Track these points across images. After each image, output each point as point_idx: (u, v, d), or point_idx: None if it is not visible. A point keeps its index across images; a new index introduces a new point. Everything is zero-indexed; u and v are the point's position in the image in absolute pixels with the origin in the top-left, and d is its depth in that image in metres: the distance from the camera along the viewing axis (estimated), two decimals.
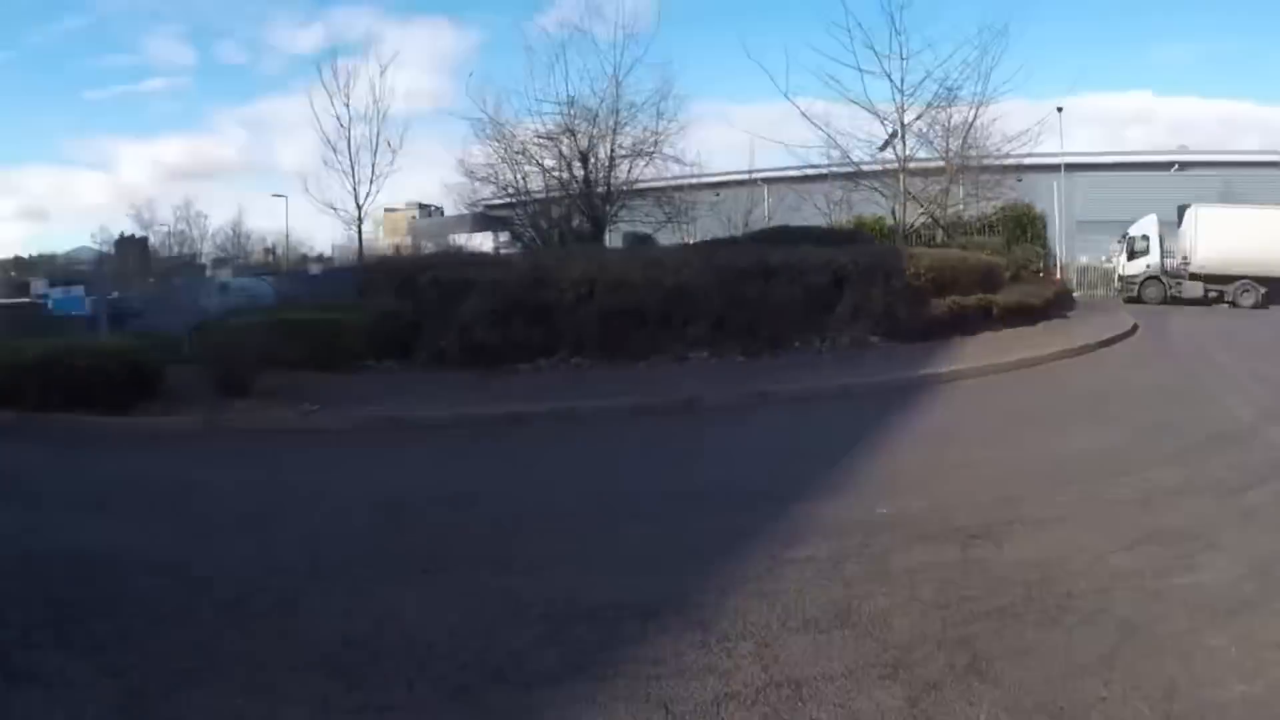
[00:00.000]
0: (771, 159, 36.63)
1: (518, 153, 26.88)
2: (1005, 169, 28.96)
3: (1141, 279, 33.71)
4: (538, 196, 27.47)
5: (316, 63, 70.97)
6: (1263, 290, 30.83)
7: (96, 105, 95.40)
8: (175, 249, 67.01)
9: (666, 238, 29.67)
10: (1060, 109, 32.96)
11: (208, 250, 65.89)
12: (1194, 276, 32.22)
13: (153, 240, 69.14)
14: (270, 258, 62.38)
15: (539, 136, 26.60)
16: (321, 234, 63.35)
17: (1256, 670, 3.84)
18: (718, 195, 34.43)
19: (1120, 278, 35.36)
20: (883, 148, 26.89)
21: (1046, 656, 4.03)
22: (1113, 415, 10.82)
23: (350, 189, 29.21)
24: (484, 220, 35.85)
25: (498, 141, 26.89)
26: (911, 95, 25.47)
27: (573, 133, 26.19)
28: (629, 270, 16.77)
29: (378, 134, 29.44)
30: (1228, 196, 34.38)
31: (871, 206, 30.73)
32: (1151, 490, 6.96)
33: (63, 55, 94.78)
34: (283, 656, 4.38)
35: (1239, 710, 3.54)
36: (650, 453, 10.10)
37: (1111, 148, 48.95)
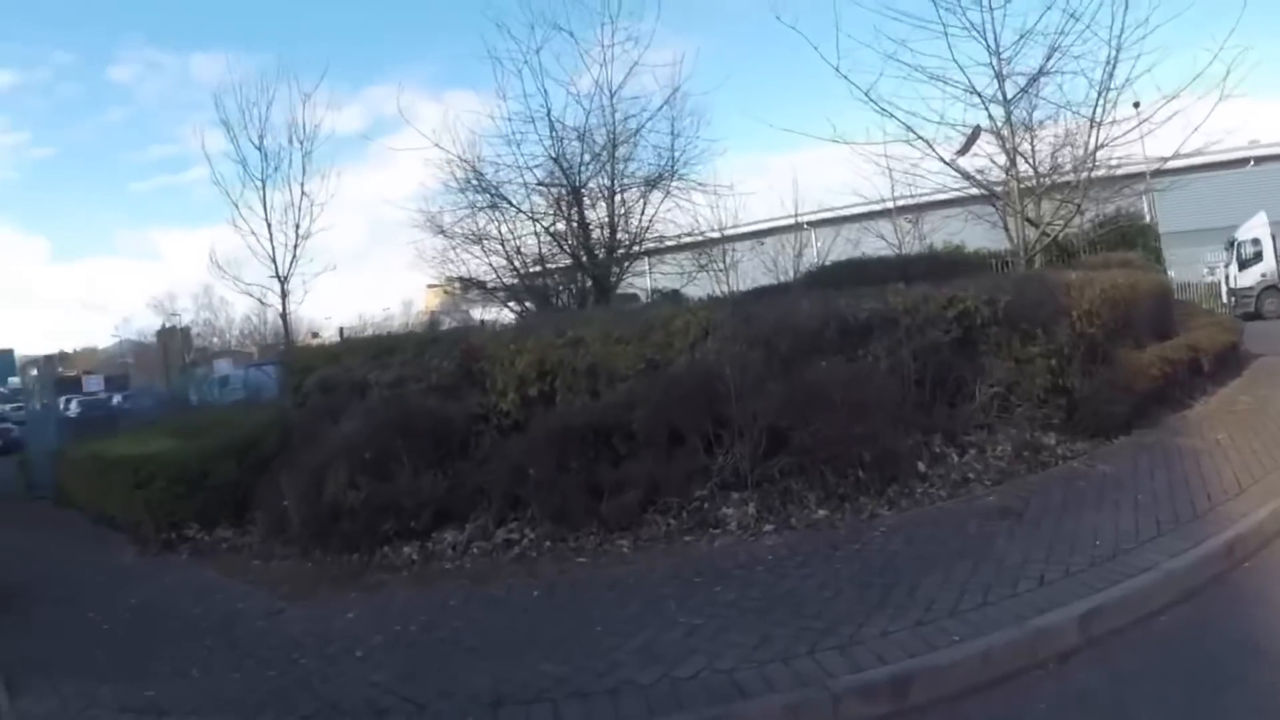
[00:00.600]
0: (817, 202, 28.55)
1: (492, 194, 19.28)
2: (1127, 176, 20.79)
3: (1258, 290, 28.43)
4: (525, 252, 20.00)
5: None
6: None
7: (141, 197, 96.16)
8: (211, 339, 64.68)
9: (697, 292, 21.71)
10: (1137, 104, 24.76)
11: (235, 338, 63.44)
12: None
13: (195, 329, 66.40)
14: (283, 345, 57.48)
15: (519, 166, 19.10)
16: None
17: None
18: (760, 243, 27.03)
19: (1231, 291, 29.74)
20: (964, 149, 17.72)
21: None
22: None
23: (268, 255, 22.77)
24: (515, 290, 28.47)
25: (477, 190, 19.42)
26: (1010, 61, 15.53)
27: (557, 162, 18.66)
28: (613, 346, 9.71)
29: (301, 198, 22.94)
30: None
31: (949, 233, 23.45)
32: None
33: (108, 148, 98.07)
34: None
35: None
36: None
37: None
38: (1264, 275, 28.51)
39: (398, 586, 7.76)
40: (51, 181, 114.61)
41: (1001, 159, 16.23)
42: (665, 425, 8.56)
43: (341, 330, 29.80)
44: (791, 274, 23.81)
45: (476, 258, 20.33)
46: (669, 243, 20.83)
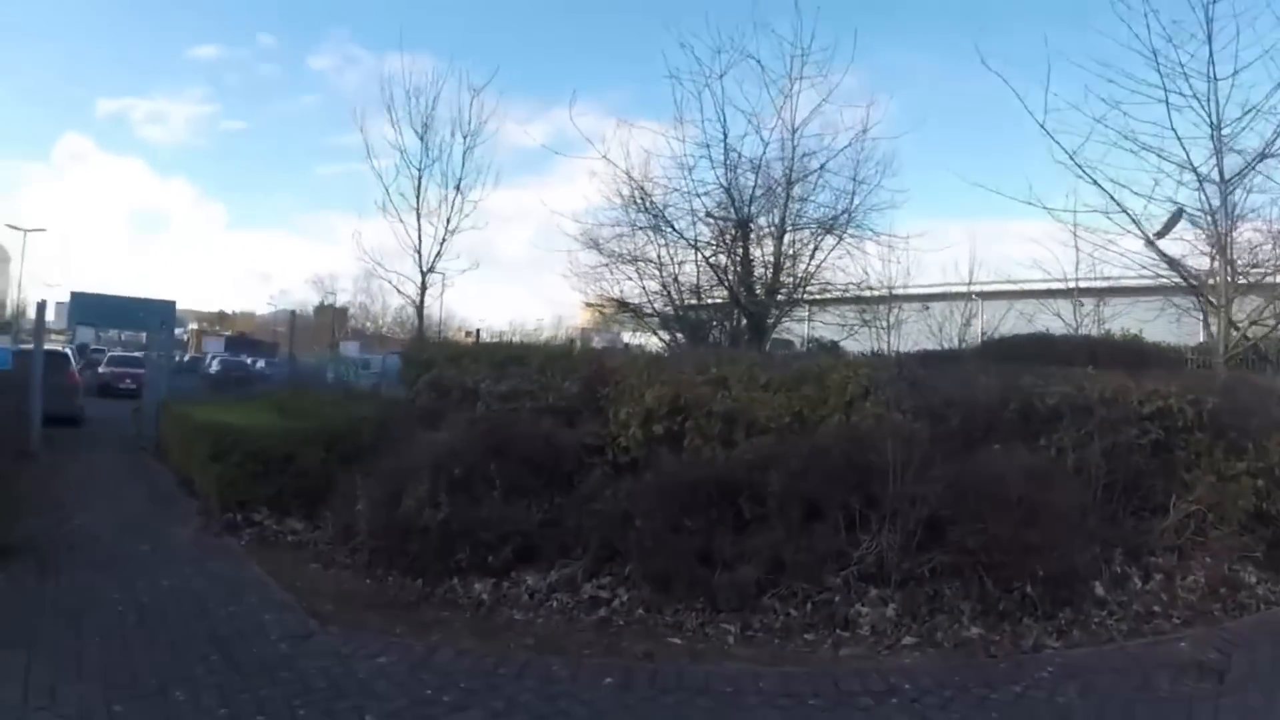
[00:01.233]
0: (992, 272, 26.41)
1: (656, 216, 17.90)
2: None
3: None
4: (682, 280, 18.55)
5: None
6: None
7: (322, 180, 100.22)
8: (365, 323, 67.33)
9: (856, 348, 19.93)
10: None
11: (388, 324, 64.27)
12: None
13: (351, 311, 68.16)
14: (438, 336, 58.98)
15: (687, 191, 17.77)
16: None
17: None
18: (925, 308, 25.16)
19: None
20: (1163, 232, 15.50)
21: None
22: None
23: (414, 245, 22.12)
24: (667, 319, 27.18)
25: (641, 209, 18.09)
26: (1231, 139, 13.10)
27: (728, 191, 17.26)
28: (757, 393, 8.48)
29: (455, 194, 22.27)
30: None
31: (1132, 320, 21.21)
32: None
33: (297, 130, 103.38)
34: None
35: None
36: None
37: None
38: None
39: (453, 632, 6.57)
40: (238, 153, 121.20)
41: (1203, 246, 14.23)
42: (803, 494, 7.15)
43: (478, 333, 29.12)
44: (957, 342, 21.98)
45: (630, 279, 18.88)
46: (835, 292, 19.25)
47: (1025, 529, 6.77)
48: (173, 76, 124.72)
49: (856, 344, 19.57)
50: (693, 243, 17.73)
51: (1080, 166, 13.06)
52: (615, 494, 7.58)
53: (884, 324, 21.06)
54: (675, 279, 18.28)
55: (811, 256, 17.58)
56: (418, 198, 22.20)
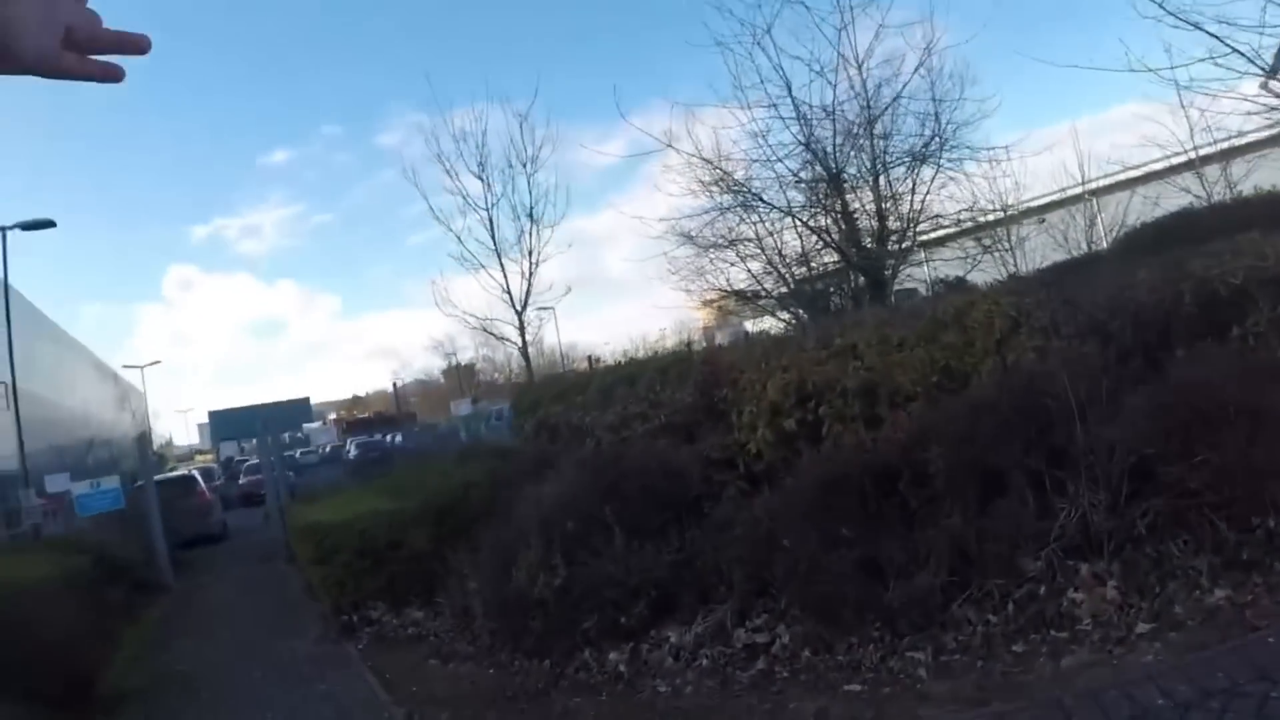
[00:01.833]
0: (1100, 166, 23.98)
1: (741, 193, 16.65)
2: None
3: None
4: (786, 254, 17.18)
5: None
6: None
7: (418, 248, 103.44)
8: (493, 375, 67.17)
9: (982, 280, 18.16)
10: None
11: (514, 371, 65.12)
12: None
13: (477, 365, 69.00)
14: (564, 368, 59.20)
15: (767, 160, 16.46)
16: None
17: None
18: (1042, 220, 22.95)
19: None
20: (1274, 70, 13.23)
21: None
22: None
23: (504, 292, 21.66)
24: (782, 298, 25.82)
25: (725, 190, 16.84)
26: None
27: (808, 147, 15.91)
28: (893, 354, 7.23)
29: (530, 217, 21.76)
30: None
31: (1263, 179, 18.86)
32: None
33: (381, 206, 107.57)
34: None
35: None
36: None
37: None
38: None
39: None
40: (333, 243, 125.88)
41: None
42: (974, 466, 5.76)
43: (590, 359, 28.12)
44: (1086, 246, 19.95)
45: (734, 265, 17.65)
46: (947, 225, 17.59)
47: (1251, 448, 5.28)
48: (253, 188, 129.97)
49: (982, 274, 17.71)
50: (786, 209, 16.52)
51: (1173, 14, 11.17)
52: (753, 513, 6.37)
53: (1006, 246, 19.14)
54: (779, 253, 17.12)
55: (913, 192, 16.12)
56: (492, 236, 21.67)
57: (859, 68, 15.27)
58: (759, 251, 17.04)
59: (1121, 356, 6.47)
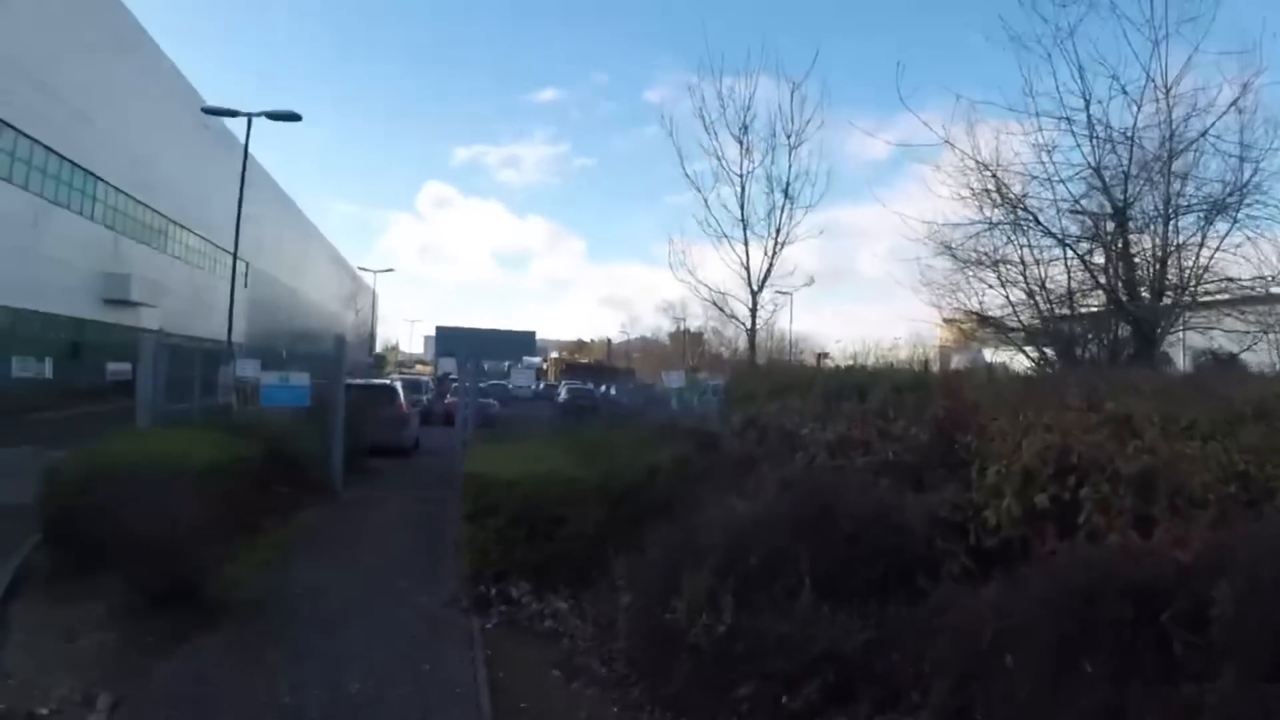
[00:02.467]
0: None
1: (1015, 208, 14.90)
2: None
3: None
4: (1050, 287, 15.29)
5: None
6: None
7: (673, 208, 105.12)
8: (720, 348, 67.28)
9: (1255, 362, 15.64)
10: None
11: (741, 347, 65.05)
12: None
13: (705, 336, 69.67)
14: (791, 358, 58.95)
15: (1047, 179, 14.59)
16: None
17: None
18: None
19: None
20: None
21: None
22: None
23: (742, 268, 20.73)
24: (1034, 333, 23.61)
25: (997, 203, 15.08)
26: None
27: (1098, 172, 14.03)
28: (1182, 441, 5.78)
29: (785, 193, 20.79)
30: None
31: None
32: None
33: (643, 161, 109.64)
34: None
35: None
36: None
37: None
38: None
39: None
40: (591, 188, 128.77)
41: None
42: (1273, 619, 4.30)
43: (818, 357, 26.77)
44: None
45: (991, 287, 15.98)
46: (1235, 290, 15.15)
47: None
48: (520, 122, 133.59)
49: (1254, 356, 15.29)
50: (1060, 237, 14.78)
51: None
52: (978, 607, 5.02)
53: None
54: (1042, 284, 15.33)
55: (1201, 245, 14.14)
56: (741, 206, 20.80)
57: (1166, 93, 13.48)
58: (1021, 278, 15.32)
59: None
